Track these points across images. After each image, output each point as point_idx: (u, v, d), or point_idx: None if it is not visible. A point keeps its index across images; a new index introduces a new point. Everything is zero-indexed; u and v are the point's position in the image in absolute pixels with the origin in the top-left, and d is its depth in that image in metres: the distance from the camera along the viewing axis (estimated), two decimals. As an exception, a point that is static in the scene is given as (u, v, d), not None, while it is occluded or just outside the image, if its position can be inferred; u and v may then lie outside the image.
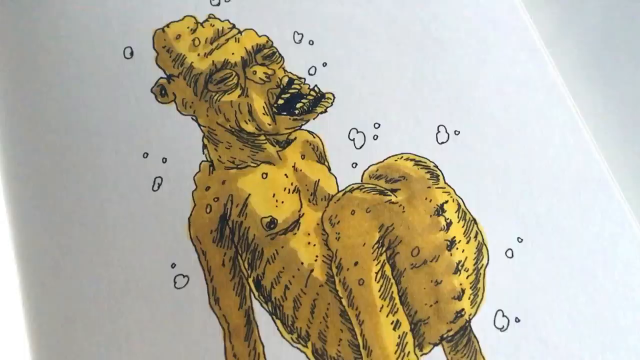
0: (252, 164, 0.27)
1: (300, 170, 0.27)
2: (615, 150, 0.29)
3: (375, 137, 0.28)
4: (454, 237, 0.26)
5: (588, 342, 0.25)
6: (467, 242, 0.26)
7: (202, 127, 0.27)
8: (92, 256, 0.26)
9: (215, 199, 0.26)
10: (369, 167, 0.27)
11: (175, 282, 0.26)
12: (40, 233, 0.26)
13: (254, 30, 0.29)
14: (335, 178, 0.27)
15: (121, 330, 0.25)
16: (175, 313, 0.25)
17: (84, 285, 0.26)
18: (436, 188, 0.27)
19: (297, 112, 0.28)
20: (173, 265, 0.26)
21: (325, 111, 0.28)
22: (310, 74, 0.28)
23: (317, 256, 0.26)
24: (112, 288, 0.26)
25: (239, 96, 0.28)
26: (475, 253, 0.26)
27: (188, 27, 0.28)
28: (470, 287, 0.26)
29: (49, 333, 0.25)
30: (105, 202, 0.27)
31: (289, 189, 0.27)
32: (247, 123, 0.27)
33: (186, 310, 0.25)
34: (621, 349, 0.25)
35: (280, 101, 0.28)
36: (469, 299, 0.25)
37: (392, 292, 0.25)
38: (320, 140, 0.28)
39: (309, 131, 0.28)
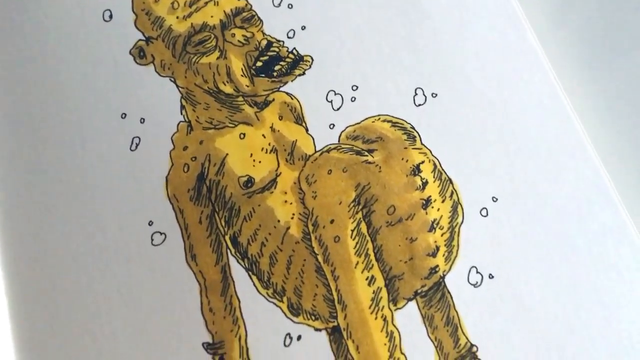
0: (230, 125, 0.29)
1: (278, 130, 0.29)
2: (592, 114, 0.31)
3: (353, 99, 0.30)
4: (430, 196, 0.28)
5: (561, 300, 0.27)
6: (443, 201, 0.28)
7: (180, 89, 0.29)
8: (70, 214, 0.28)
9: (193, 159, 0.28)
10: (346, 128, 0.29)
11: (152, 239, 0.27)
12: (19, 192, 0.28)
13: (232, -7, 0.31)
14: (313, 139, 0.29)
15: (99, 286, 0.27)
16: (153, 269, 0.27)
17: (63, 244, 0.27)
18: (413, 149, 0.29)
19: (275, 74, 0.30)
20: (150, 223, 0.28)
21: (304, 74, 0.30)
22: (289, 37, 0.30)
23: (293, 214, 0.28)
24: (90, 245, 0.27)
25: (217, 58, 0.30)
26: (450, 212, 0.28)
27: (167, -10, 0.30)
28: (445, 245, 0.28)
29: (26, 292, 0.27)
30: (83, 161, 0.28)
31: (267, 149, 0.28)
32: (225, 84, 0.29)
33: (163, 267, 0.27)
34: (594, 307, 0.27)
35: (259, 63, 0.30)
36: (444, 255, 0.27)
37: (368, 249, 0.27)
38: (298, 101, 0.29)
39: (287, 93, 0.30)
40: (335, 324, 0.27)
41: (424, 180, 0.28)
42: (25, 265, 0.27)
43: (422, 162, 0.29)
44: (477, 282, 0.27)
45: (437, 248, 0.28)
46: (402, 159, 0.29)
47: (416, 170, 0.28)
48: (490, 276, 0.27)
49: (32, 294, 0.27)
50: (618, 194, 0.28)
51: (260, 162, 0.28)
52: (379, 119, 0.29)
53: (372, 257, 0.27)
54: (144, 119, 0.29)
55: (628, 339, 0.26)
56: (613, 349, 0.26)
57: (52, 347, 0.26)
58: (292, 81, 0.30)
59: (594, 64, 0.32)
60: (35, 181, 0.28)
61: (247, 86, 0.29)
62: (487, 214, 0.28)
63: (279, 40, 0.30)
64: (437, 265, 0.27)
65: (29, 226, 0.28)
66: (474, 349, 0.26)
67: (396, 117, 0.30)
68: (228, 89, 0.29)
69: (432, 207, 0.28)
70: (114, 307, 0.27)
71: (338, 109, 0.30)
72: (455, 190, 0.28)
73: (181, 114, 0.29)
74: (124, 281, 0.27)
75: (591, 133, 0.30)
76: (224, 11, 0.30)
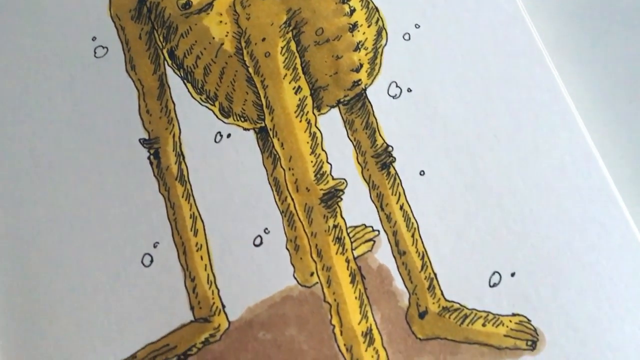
0: (171, -44, 0.38)
1: (216, -39, 0.38)
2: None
3: (288, -62, 0.39)
4: (357, 21, 0.37)
5: (473, 110, 0.36)
6: (369, 26, 0.38)
7: None
8: (17, 29, 0.37)
9: (135, -17, 0.38)
10: (280, -38, 0.38)
11: (95, 53, 0.37)
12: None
13: None
14: (249, -30, 0.38)
15: (44, 91, 0.36)
16: (95, 79, 0.36)
17: (12, 58, 0.36)
18: (343, -19, 0.38)
19: None
20: (94, 39, 0.37)
21: None
22: None
23: (227, 32, 0.37)
24: (37, 58, 0.36)
25: None
26: (375, 35, 0.37)
27: None
28: (368, 63, 0.37)
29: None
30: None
31: (205, -23, 0.38)
32: None
33: (105, 76, 0.36)
34: (504, 116, 0.36)
35: None
36: (366, 71, 0.37)
37: (296, 63, 0.36)
38: (236, -63, 0.39)
39: None
40: (263, 125, 0.36)
41: (351, 8, 0.38)
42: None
43: (351, -8, 0.38)
44: (396, 94, 0.36)
45: (361, 65, 0.37)
46: (332, -11, 0.38)
47: (345, -1, 0.38)
48: (409, 90, 0.37)
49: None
50: (530, 18, 0.38)
51: (198, -13, 0.38)
52: (312, -46, 0.39)
53: (300, 70, 0.36)
54: (90, -50, 0.38)
55: (533, 142, 0.35)
56: (520, 151, 0.35)
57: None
58: None
59: None
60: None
61: None
62: (410, 38, 0.38)
63: None
64: (360, 79, 0.37)
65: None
66: (390, 148, 0.35)
67: (328, -46, 0.39)
68: None
69: (358, 31, 0.37)
70: (59, 110, 0.36)
71: (274, -55, 0.39)
72: (381, 17, 0.38)
73: (125, -55, 0.38)
74: (68, 88, 0.36)
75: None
76: None
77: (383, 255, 0.34)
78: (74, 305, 0.34)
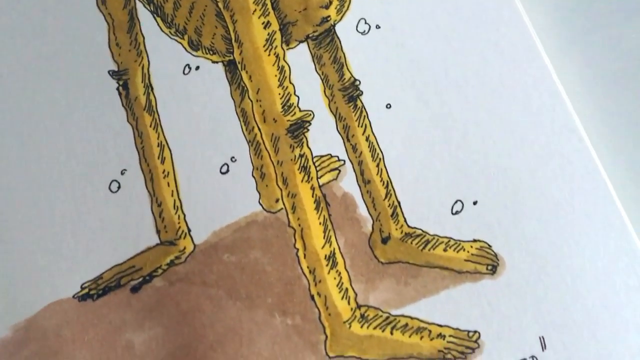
0: None
1: None
2: None
3: None
4: (327, -41, 0.39)
5: (440, 47, 0.37)
6: (339, -36, 0.39)
7: None
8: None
9: None
10: None
11: (65, -12, 0.38)
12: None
13: None
14: None
15: (17, 29, 0.37)
16: (66, 13, 0.37)
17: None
18: None
19: None
20: (65, -24, 0.38)
21: None
22: None
23: (198, -32, 0.38)
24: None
25: None
26: (345, -27, 0.39)
27: None
28: (338, 0, 0.38)
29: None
30: None
31: None
32: None
33: (74, 9, 0.37)
34: (468, 53, 0.37)
35: None
36: (336, 8, 0.38)
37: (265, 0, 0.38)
38: None
39: None
40: (231, 58, 0.37)
41: (322, -54, 0.39)
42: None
43: None
44: (364, 31, 0.38)
45: (330, 2, 0.38)
46: None
47: (315, -61, 0.39)
48: (377, 26, 0.38)
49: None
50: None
51: None
52: None
53: (269, 6, 0.38)
54: None
55: (499, 77, 0.37)
56: (485, 86, 0.37)
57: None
58: None
59: None
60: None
61: None
62: (379, -22, 0.39)
63: None
64: (329, 16, 0.38)
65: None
66: (357, 82, 0.37)
67: None
68: None
69: (328, -31, 0.39)
70: (30, 44, 0.37)
71: None
72: (351, -42, 0.39)
73: None
74: (39, 22, 0.37)
75: None
76: None
77: (348, 183, 0.36)
78: (42, 228, 0.35)
